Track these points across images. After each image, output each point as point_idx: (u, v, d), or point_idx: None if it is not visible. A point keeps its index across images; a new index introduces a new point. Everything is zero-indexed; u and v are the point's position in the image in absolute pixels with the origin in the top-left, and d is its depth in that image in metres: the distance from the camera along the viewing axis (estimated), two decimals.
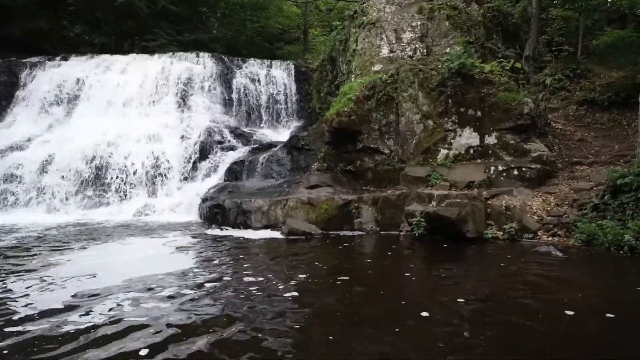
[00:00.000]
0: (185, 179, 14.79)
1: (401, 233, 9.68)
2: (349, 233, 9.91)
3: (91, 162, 14.48)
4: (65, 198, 13.73)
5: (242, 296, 5.04)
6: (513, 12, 15.25)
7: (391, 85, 11.82)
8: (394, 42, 14.27)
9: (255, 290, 5.28)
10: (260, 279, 5.79)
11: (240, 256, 7.29)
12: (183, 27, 26.52)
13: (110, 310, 4.53)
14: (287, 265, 6.69)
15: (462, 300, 4.90)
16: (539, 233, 8.77)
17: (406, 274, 6.35)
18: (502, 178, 10.20)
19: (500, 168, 10.28)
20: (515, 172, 10.19)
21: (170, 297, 5.00)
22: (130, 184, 14.35)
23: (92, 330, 3.96)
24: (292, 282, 5.63)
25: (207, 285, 5.49)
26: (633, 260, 6.99)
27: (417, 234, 9.01)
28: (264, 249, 8.12)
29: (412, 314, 4.51)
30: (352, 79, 14.57)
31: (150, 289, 5.27)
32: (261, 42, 29.59)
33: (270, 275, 5.94)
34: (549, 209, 9.19)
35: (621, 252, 7.36)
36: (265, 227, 10.42)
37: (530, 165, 10.22)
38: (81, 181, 14.11)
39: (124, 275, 5.86)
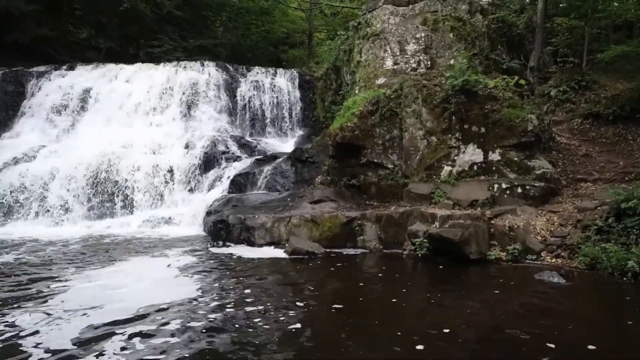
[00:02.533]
0: (190, 189, 14.87)
1: (404, 252, 9.69)
2: (352, 251, 9.94)
3: (96, 173, 14.57)
4: (70, 210, 13.82)
5: (249, 329, 5.13)
6: (518, 23, 15.20)
7: (395, 100, 11.81)
8: (398, 54, 14.26)
9: (259, 322, 5.38)
10: (261, 307, 5.89)
11: (244, 281, 7.33)
12: (188, 32, 26.57)
13: (122, 349, 4.61)
14: (290, 293, 6.73)
15: (448, 330, 5.13)
16: (542, 254, 8.76)
17: (403, 303, 6.46)
18: (505, 196, 10.19)
19: (504, 186, 10.27)
20: (519, 190, 10.17)
21: (178, 330, 5.11)
22: (135, 195, 14.43)
23: None
24: (295, 313, 5.71)
25: (212, 316, 5.58)
26: (636, 287, 6.97)
27: (420, 254, 9.04)
28: (268, 271, 8.15)
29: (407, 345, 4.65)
30: (356, 91, 14.59)
31: (157, 322, 5.35)
32: (266, 46, 29.64)
33: (272, 306, 5.99)
34: (552, 229, 9.18)
35: (625, 278, 7.35)
36: (269, 244, 10.46)
37: (534, 183, 10.20)
38: (86, 192, 14.21)
39: (130, 306, 5.90)
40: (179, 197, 14.69)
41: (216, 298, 6.35)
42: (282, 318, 5.48)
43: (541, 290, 6.83)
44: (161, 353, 4.51)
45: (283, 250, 9.83)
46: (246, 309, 5.83)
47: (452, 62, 13.58)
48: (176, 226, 13.29)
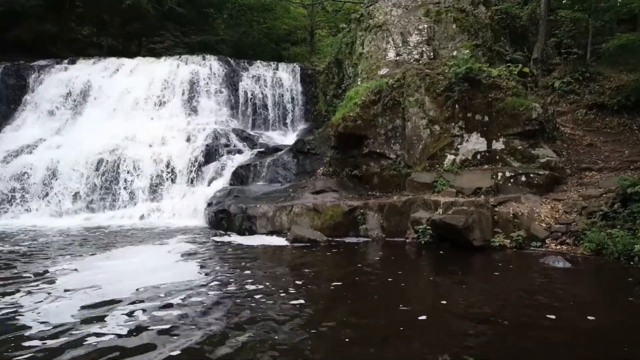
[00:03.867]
0: (192, 182, 14.77)
1: (407, 240, 9.61)
2: (355, 240, 9.85)
3: (97, 166, 14.50)
4: (72, 202, 13.77)
5: (251, 305, 5.08)
6: (521, 15, 15.08)
7: (397, 89, 11.73)
8: (400, 45, 14.17)
9: (260, 298, 5.35)
10: (261, 287, 5.84)
11: (244, 265, 7.25)
12: (190, 29, 26.54)
13: (125, 321, 4.58)
14: (290, 274, 6.66)
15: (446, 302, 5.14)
16: (547, 241, 8.65)
17: (402, 283, 6.40)
18: (509, 184, 10.09)
19: (507, 174, 10.17)
20: (523, 179, 10.07)
21: (179, 305, 5.08)
22: (137, 187, 14.36)
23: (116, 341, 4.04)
24: (295, 290, 5.66)
25: (212, 293, 5.56)
26: None
27: (423, 242, 8.94)
28: (269, 257, 8.09)
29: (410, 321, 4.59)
30: (359, 83, 14.49)
31: (158, 299, 5.31)
32: (268, 43, 29.58)
33: (272, 285, 5.91)
34: (557, 216, 9.07)
35: (631, 262, 7.24)
36: (271, 233, 10.38)
37: (538, 172, 10.10)
38: (87, 185, 14.15)
39: (130, 286, 5.84)
40: (180, 189, 14.60)
41: (217, 279, 6.29)
42: (283, 294, 5.44)
43: (545, 273, 6.74)
44: (164, 323, 4.49)
45: (285, 238, 9.76)
46: (247, 287, 5.78)
47: (455, 53, 13.47)
48: (178, 218, 13.21)
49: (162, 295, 5.46)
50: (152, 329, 4.35)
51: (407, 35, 14.25)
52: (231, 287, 5.81)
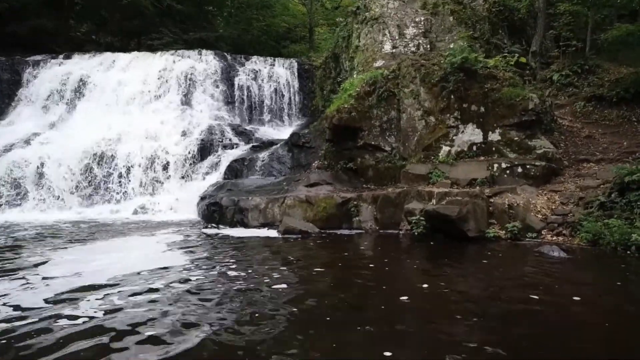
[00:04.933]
0: (186, 176, 14.64)
1: (401, 232, 9.43)
2: (348, 232, 9.69)
3: (92, 160, 14.40)
4: (65, 196, 13.65)
5: (223, 293, 4.88)
6: (519, 7, 14.88)
7: (392, 80, 11.56)
8: (396, 37, 14.02)
9: (241, 283, 5.20)
10: (244, 273, 5.68)
11: (229, 254, 7.10)
12: (189, 26, 26.43)
13: (99, 305, 4.43)
14: (275, 262, 6.47)
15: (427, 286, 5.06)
16: (542, 232, 8.47)
17: (386, 267, 6.30)
18: (505, 176, 9.90)
19: (503, 165, 9.99)
20: (520, 170, 9.89)
21: (159, 290, 4.93)
22: (131, 181, 14.23)
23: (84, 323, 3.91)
24: (279, 276, 5.49)
25: (194, 278, 5.41)
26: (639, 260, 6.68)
27: (416, 233, 8.75)
28: (256, 247, 7.91)
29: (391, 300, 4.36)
30: (355, 76, 14.33)
31: (138, 284, 5.16)
32: (267, 40, 29.47)
33: (254, 274, 5.73)
34: (553, 207, 8.89)
35: (628, 252, 7.05)
36: (263, 225, 10.22)
37: (534, 163, 9.92)
38: (81, 179, 14.03)
39: (111, 273, 5.68)
40: (174, 184, 14.48)
41: (202, 266, 6.12)
42: (267, 280, 5.27)
43: (538, 262, 6.54)
44: (138, 307, 4.34)
45: (276, 230, 9.59)
46: (229, 273, 5.63)
47: (452, 45, 13.31)
48: (172, 212, 13.08)
49: (141, 281, 5.30)
50: (126, 313, 4.18)
51: (404, 27, 14.10)
52: (212, 273, 5.66)
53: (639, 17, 16.56)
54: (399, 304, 4.49)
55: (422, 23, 14.06)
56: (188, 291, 4.87)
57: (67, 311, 4.24)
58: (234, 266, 6.06)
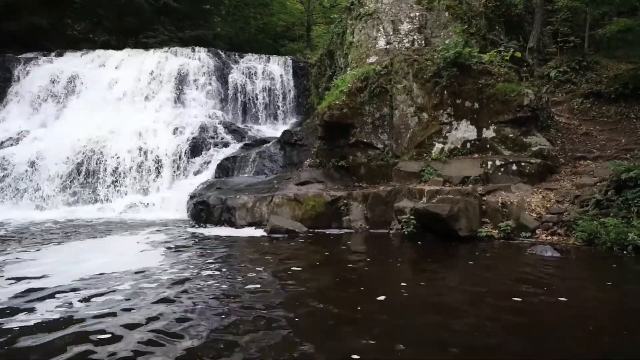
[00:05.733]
0: (177, 175, 14.39)
1: (391, 231, 9.15)
2: (337, 231, 9.40)
3: (81, 158, 14.14)
4: (54, 194, 13.39)
5: (196, 295, 4.61)
6: (516, 2, 14.59)
7: (385, 76, 11.28)
8: (391, 33, 13.72)
9: (214, 283, 4.96)
10: (217, 273, 5.45)
11: (210, 253, 6.85)
12: (185, 24, 26.18)
13: (56, 307, 4.20)
14: (254, 262, 6.20)
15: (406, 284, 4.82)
16: (537, 231, 8.19)
17: (366, 267, 6.08)
18: (499, 173, 9.61)
19: (498, 163, 9.69)
20: (514, 167, 9.60)
21: (123, 292, 4.67)
22: (121, 180, 13.98)
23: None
24: (254, 275, 5.24)
25: (164, 282, 5.09)
26: (636, 261, 6.40)
27: (406, 233, 8.47)
28: (238, 247, 7.65)
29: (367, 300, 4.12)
30: (348, 72, 14.05)
31: (104, 286, 4.89)
32: (264, 39, 29.23)
33: (227, 274, 5.47)
34: (548, 205, 8.60)
35: (625, 252, 6.77)
36: (250, 224, 9.95)
37: (530, 160, 9.63)
38: (70, 177, 13.78)
39: (79, 274, 5.42)
40: (165, 182, 14.22)
41: (175, 266, 5.88)
42: (239, 279, 5.03)
43: (529, 262, 6.26)
44: (98, 309, 4.09)
45: (263, 230, 9.32)
46: (203, 273, 5.38)
47: (447, 41, 13.03)
48: (161, 211, 12.80)
49: (109, 282, 5.04)
50: (83, 315, 3.93)
51: (398, 23, 13.81)
52: (186, 274, 5.39)
53: (639, 12, 16.28)
54: (375, 304, 4.23)
55: (417, 18, 13.76)
56: (151, 294, 4.59)
57: (21, 316, 3.97)
58: (209, 266, 5.81)
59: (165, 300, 4.29)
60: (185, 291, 4.60)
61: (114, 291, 4.65)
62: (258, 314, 3.91)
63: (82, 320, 3.80)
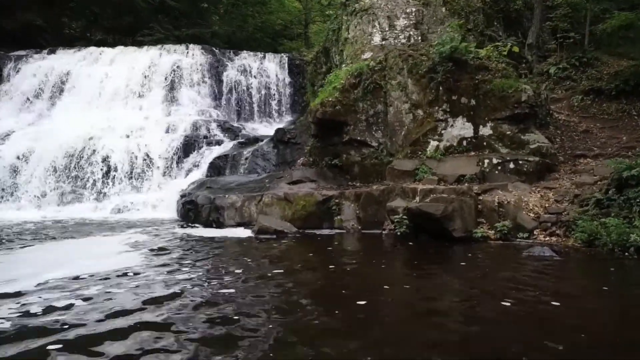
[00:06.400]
0: (169, 174, 14.10)
1: (384, 232, 8.83)
2: (328, 232, 9.09)
3: (71, 157, 13.86)
4: (42, 194, 13.12)
5: (176, 293, 4.37)
6: None
7: (379, 72, 10.97)
8: (386, 29, 13.42)
9: (187, 286, 4.68)
10: (194, 275, 5.15)
11: (192, 254, 6.53)
12: (183, 23, 25.89)
13: (16, 310, 3.94)
14: (234, 264, 5.88)
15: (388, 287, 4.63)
16: (535, 232, 7.86)
17: (347, 268, 5.82)
18: (496, 172, 9.29)
19: (495, 161, 9.37)
20: (512, 165, 9.28)
21: (89, 295, 4.38)
22: (111, 179, 13.69)
23: None
24: (231, 279, 4.92)
25: (133, 284, 4.78)
26: (637, 262, 6.07)
27: (399, 233, 8.15)
28: (222, 248, 7.32)
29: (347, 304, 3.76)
30: (342, 68, 13.74)
31: (68, 289, 4.59)
32: (262, 37, 28.95)
33: (203, 277, 5.16)
34: (547, 205, 8.27)
35: (626, 253, 6.44)
36: (239, 224, 9.65)
37: (528, 158, 9.30)
38: (59, 177, 13.50)
39: (46, 277, 5.10)
40: (156, 181, 13.93)
41: (153, 268, 5.57)
42: (214, 283, 4.72)
43: (524, 264, 5.91)
44: (58, 314, 3.80)
45: (251, 230, 9.01)
46: (178, 277, 5.05)
47: (444, 36, 12.72)
48: (152, 211, 12.53)
49: (76, 285, 4.73)
50: (41, 321, 3.63)
51: (394, 19, 13.50)
52: (161, 277, 5.07)
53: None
54: (355, 309, 3.93)
55: (414, 14, 13.45)
56: (119, 296, 4.29)
57: None
58: (186, 269, 5.49)
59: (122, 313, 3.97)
60: (154, 299, 4.27)
61: (78, 297, 4.33)
62: (223, 320, 3.61)
63: (37, 325, 3.50)
